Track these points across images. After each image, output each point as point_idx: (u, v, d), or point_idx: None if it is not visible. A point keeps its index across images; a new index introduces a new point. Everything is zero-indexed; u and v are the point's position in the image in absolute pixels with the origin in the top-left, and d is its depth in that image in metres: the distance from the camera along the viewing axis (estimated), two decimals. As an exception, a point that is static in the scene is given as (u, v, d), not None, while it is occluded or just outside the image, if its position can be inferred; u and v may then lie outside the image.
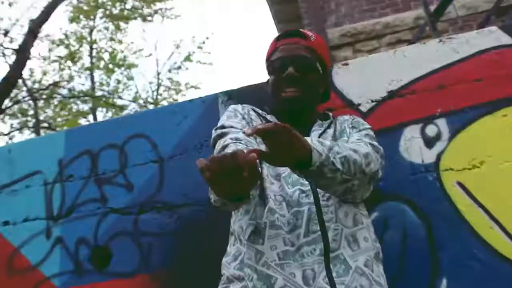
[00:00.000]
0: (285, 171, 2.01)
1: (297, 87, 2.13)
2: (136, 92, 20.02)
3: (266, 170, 2.03)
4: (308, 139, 1.74)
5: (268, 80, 2.29)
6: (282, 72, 2.14)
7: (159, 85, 20.46)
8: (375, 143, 2.14)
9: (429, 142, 2.64)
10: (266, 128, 1.55)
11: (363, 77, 2.81)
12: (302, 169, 1.75)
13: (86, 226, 3.00)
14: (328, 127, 2.22)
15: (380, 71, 2.79)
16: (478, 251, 2.45)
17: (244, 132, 1.58)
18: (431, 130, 2.65)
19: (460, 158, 2.58)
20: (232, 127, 2.11)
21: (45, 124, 16.25)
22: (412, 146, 2.65)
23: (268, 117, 2.23)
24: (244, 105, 2.28)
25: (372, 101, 2.76)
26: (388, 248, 2.52)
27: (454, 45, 2.73)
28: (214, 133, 2.14)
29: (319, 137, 2.11)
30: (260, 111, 2.27)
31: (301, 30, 2.29)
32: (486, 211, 2.49)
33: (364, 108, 2.76)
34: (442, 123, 2.64)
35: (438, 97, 2.68)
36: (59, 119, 17.37)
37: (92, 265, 2.93)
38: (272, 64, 2.23)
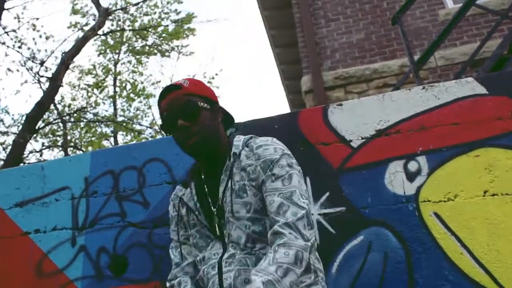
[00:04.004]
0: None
1: (193, 134, 1.96)
2: (153, 119, 20.00)
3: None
4: None
5: None
6: (176, 128, 2.00)
7: (173, 113, 20.29)
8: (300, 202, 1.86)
9: (411, 176, 2.65)
10: None
11: (355, 117, 2.83)
12: None
13: (107, 237, 3.01)
14: (232, 167, 2.00)
15: (370, 112, 2.82)
16: (449, 273, 2.45)
17: None
18: (412, 166, 2.66)
19: (437, 191, 2.60)
20: (173, 247, 2.16)
21: (72, 144, 16.25)
22: (396, 179, 2.66)
23: (192, 184, 2.11)
24: (174, 193, 2.21)
25: (362, 138, 2.78)
26: (370, 267, 2.53)
27: (435, 92, 2.76)
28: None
29: (224, 190, 1.97)
30: (183, 188, 2.16)
31: (173, 83, 2.10)
32: (458, 238, 2.49)
33: (354, 144, 2.77)
34: (422, 160, 2.66)
35: (420, 137, 2.70)
36: (84, 140, 17.36)
37: (111, 272, 2.93)
38: (164, 126, 2.07)
